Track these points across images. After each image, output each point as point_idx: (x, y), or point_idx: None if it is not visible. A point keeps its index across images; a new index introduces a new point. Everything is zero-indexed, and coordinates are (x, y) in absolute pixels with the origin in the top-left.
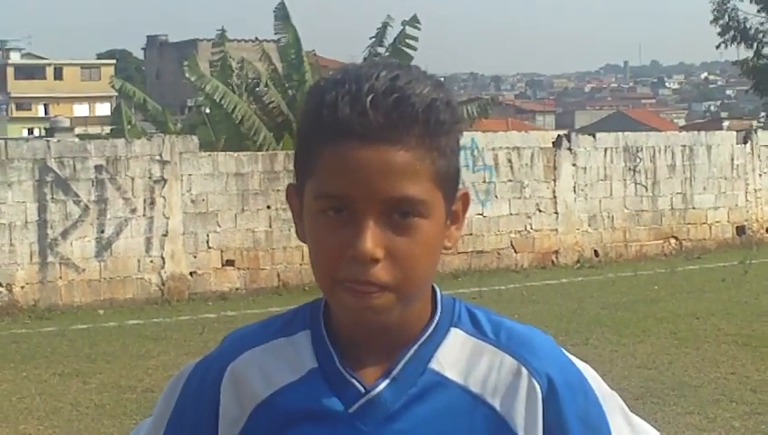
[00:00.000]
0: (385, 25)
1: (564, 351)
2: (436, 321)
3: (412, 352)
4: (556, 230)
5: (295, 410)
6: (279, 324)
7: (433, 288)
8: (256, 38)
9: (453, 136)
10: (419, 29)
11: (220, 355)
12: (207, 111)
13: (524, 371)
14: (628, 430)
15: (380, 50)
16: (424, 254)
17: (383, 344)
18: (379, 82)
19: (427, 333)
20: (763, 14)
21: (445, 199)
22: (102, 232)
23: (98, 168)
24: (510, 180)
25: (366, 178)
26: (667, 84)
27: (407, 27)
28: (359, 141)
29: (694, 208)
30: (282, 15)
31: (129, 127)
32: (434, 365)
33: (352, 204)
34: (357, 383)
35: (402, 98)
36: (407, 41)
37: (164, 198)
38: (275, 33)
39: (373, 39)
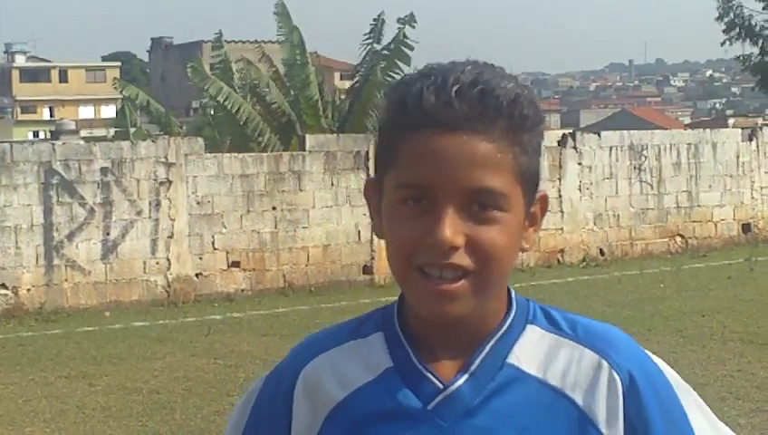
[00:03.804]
0: (380, 23)
1: (641, 347)
2: (511, 317)
3: (489, 347)
4: (562, 229)
5: (372, 410)
6: (350, 328)
7: (508, 289)
8: (256, 39)
9: (535, 135)
10: (414, 27)
11: (291, 362)
12: (212, 112)
13: (605, 364)
14: (706, 424)
15: (378, 48)
16: (503, 246)
17: (458, 341)
18: (465, 74)
19: (504, 329)
20: None
21: (525, 198)
22: (108, 234)
23: (103, 170)
24: None
25: (448, 167)
26: (672, 82)
27: (405, 26)
28: (443, 130)
29: (699, 206)
30: (282, 16)
31: (134, 129)
32: (512, 360)
33: (432, 193)
34: (434, 379)
35: (487, 90)
36: (405, 40)
37: (169, 199)
38: (277, 34)
39: (368, 37)
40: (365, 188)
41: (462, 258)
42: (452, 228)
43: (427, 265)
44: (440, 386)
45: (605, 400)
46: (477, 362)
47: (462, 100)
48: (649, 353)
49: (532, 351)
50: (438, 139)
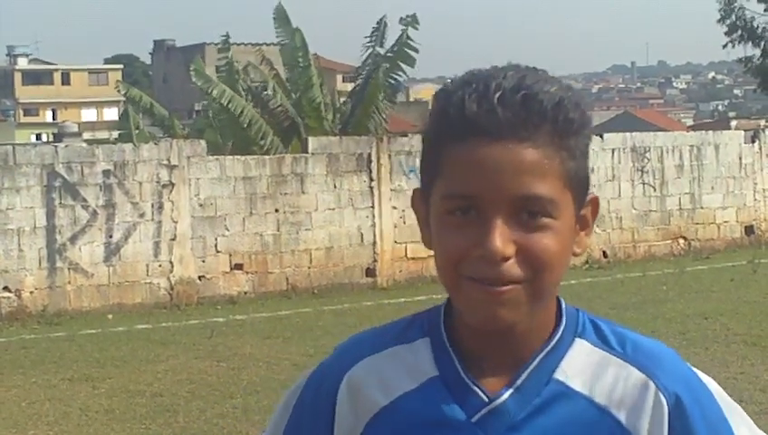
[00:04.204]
0: (382, 25)
1: (688, 364)
2: (561, 331)
3: (537, 361)
4: None
5: (415, 419)
6: (396, 332)
7: (558, 299)
8: (256, 42)
9: (582, 138)
10: (417, 28)
11: (336, 363)
12: (211, 114)
13: (652, 385)
14: None
15: (380, 51)
16: (554, 253)
17: (506, 353)
18: (506, 80)
19: (552, 343)
20: None
21: (574, 202)
22: (111, 237)
23: (106, 172)
24: None
25: (494, 176)
26: (674, 84)
27: (408, 28)
28: (487, 139)
29: (702, 208)
30: (281, 18)
31: (137, 131)
32: (559, 375)
33: (480, 203)
34: (480, 392)
35: (530, 95)
36: (409, 41)
37: (172, 202)
38: (277, 37)
39: (370, 39)
40: (412, 199)
41: (513, 269)
42: (502, 238)
43: (478, 280)
44: (485, 399)
45: (649, 421)
46: (524, 376)
47: (505, 107)
48: (697, 371)
49: (580, 367)
50: (483, 148)
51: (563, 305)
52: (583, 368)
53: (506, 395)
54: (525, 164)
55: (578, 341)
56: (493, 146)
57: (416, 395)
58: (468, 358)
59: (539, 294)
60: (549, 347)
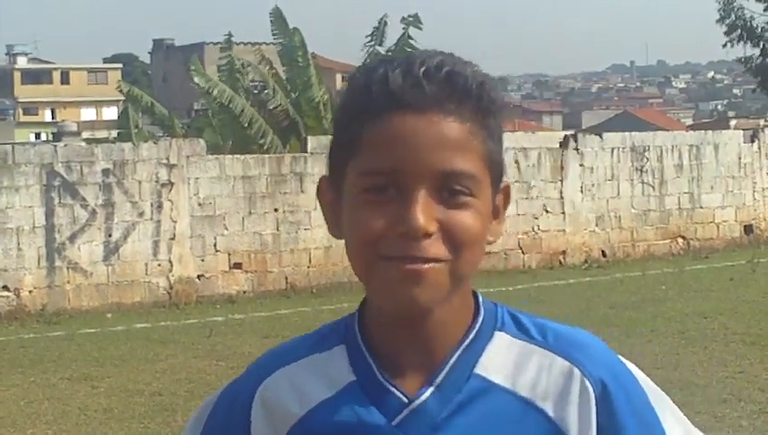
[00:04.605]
0: (382, 24)
1: (613, 351)
2: (478, 325)
3: (455, 357)
4: (563, 231)
5: (334, 427)
6: (311, 341)
7: (475, 293)
8: (255, 42)
9: (499, 122)
10: (421, 28)
11: (248, 378)
12: (210, 113)
13: (577, 372)
14: (680, 429)
15: (380, 50)
16: (476, 232)
17: (423, 349)
18: (430, 58)
19: (470, 337)
20: None
21: (492, 185)
22: (110, 236)
23: (105, 172)
24: (517, 181)
25: (417, 149)
26: (673, 84)
27: (410, 27)
28: (411, 112)
29: (701, 208)
30: (278, 20)
31: (136, 131)
32: (479, 370)
33: (401, 178)
34: (399, 393)
35: (454, 72)
36: (410, 41)
37: (171, 201)
38: (274, 37)
39: (370, 39)
40: (319, 187)
41: (435, 246)
42: (424, 214)
43: (398, 259)
44: (405, 400)
45: (577, 409)
46: (443, 374)
47: (430, 80)
48: (622, 358)
49: (501, 360)
50: (407, 121)
51: (480, 300)
52: (504, 361)
53: (426, 394)
54: (450, 138)
55: (497, 334)
56: (417, 119)
57: (333, 402)
58: (385, 359)
59: (458, 275)
60: (467, 341)
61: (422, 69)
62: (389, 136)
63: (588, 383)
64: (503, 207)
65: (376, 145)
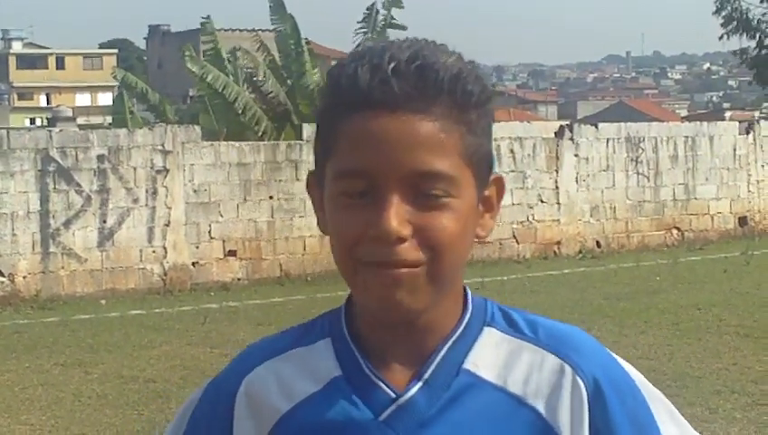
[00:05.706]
0: (374, 11)
1: (607, 349)
2: (466, 320)
3: (444, 352)
4: (558, 221)
5: (320, 423)
6: (296, 335)
7: (464, 288)
8: (253, 28)
9: (483, 113)
10: (402, 7)
11: (232, 371)
12: (207, 100)
13: (568, 369)
14: (675, 430)
15: (372, 36)
16: (453, 233)
17: (411, 345)
18: (402, 51)
19: (459, 332)
20: (766, 5)
21: (476, 181)
22: (104, 222)
23: (100, 157)
24: (512, 171)
25: (388, 151)
26: (669, 75)
27: (391, 9)
28: (381, 111)
29: (696, 199)
30: (276, 5)
31: (131, 116)
32: (468, 366)
33: (374, 180)
34: (386, 388)
35: (426, 66)
36: (394, 22)
37: (166, 187)
38: (272, 23)
39: (362, 25)
40: (307, 182)
41: (410, 251)
42: (397, 217)
43: (374, 264)
44: (392, 395)
45: (569, 407)
46: (431, 369)
47: (399, 78)
48: (616, 356)
49: (490, 356)
50: (376, 120)
51: (469, 295)
52: (494, 357)
53: (414, 389)
54: (421, 138)
55: (486, 329)
56: (387, 119)
57: (319, 397)
58: (372, 354)
59: (439, 278)
60: (455, 337)
61: (392, 64)
62: (360, 137)
63: (580, 381)
64: (496, 200)
65: (348, 145)
